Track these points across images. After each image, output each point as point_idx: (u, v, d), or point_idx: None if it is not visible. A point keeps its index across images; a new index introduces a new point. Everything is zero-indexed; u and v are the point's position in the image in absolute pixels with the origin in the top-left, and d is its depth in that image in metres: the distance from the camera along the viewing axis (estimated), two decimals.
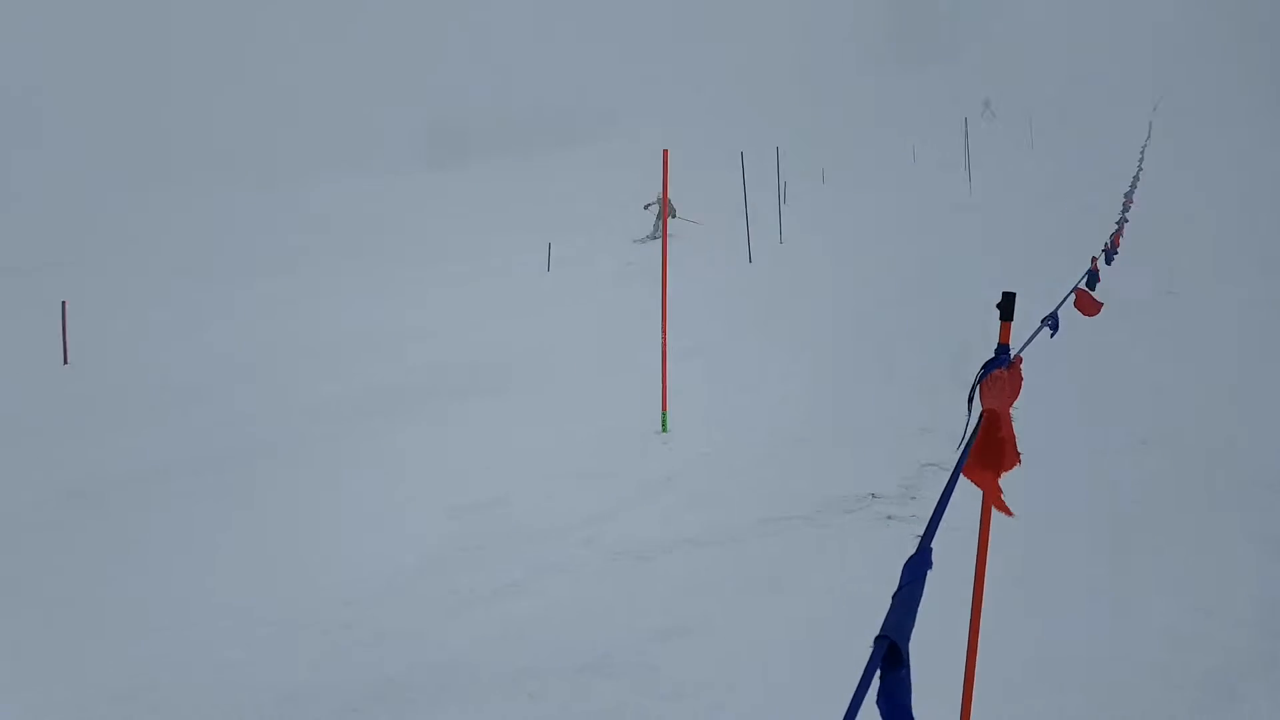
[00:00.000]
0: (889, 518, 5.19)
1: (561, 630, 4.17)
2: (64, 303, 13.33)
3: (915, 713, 1.32)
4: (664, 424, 7.14)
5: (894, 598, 1.36)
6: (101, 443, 8.53)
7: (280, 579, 5.03)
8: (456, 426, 8.11)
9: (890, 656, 1.25)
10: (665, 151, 7.70)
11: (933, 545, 1.54)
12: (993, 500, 2.03)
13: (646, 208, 23.58)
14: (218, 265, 22.41)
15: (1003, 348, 2.37)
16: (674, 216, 22.08)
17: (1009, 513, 2.24)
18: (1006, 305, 2.41)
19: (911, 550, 1.60)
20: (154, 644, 4.39)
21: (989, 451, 2.07)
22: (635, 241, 22.75)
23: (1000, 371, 2.24)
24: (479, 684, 3.78)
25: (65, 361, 12.91)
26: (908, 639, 1.28)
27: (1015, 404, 2.30)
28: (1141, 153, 26.56)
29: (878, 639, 1.23)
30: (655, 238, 22.56)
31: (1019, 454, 2.27)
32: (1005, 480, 2.27)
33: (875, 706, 1.27)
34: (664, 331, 7.34)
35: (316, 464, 7.37)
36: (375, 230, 27.40)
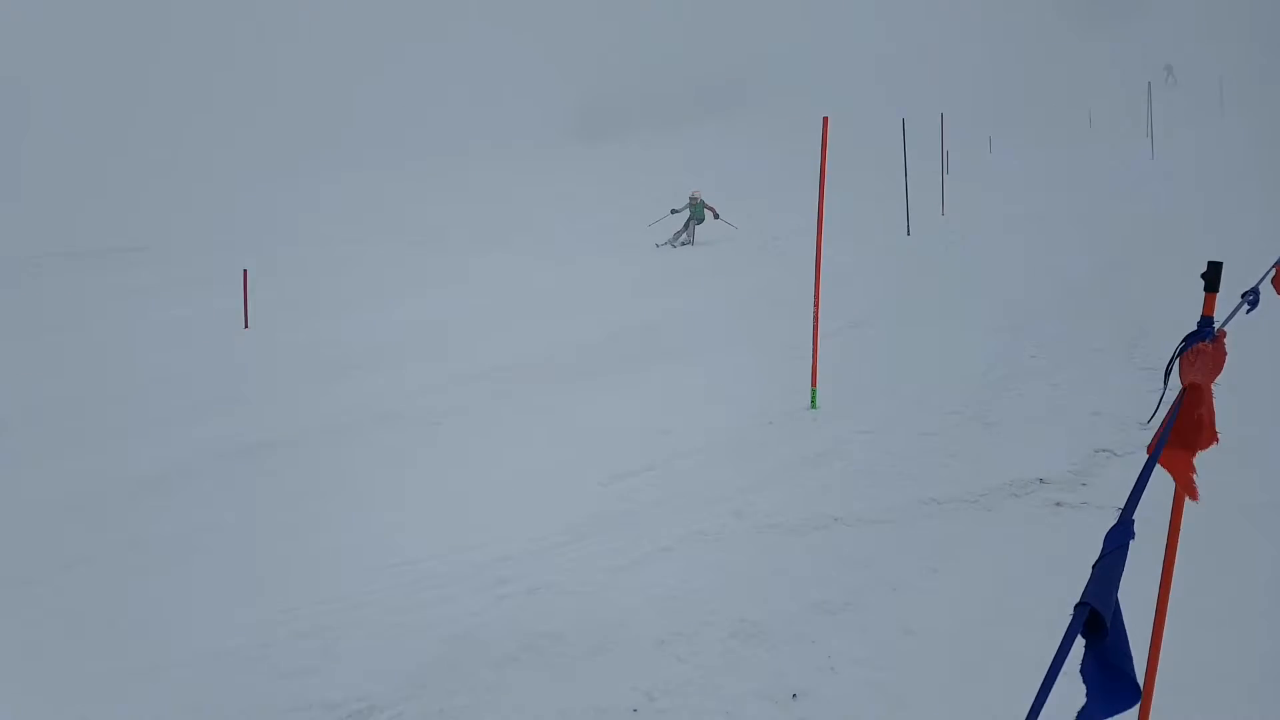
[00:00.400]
0: (1057, 504, 4.93)
1: (712, 597, 4.18)
2: (245, 271, 14.32)
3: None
4: (813, 401, 7.01)
5: (1094, 567, 1.28)
6: (293, 398, 9.20)
7: (443, 534, 5.25)
8: (612, 395, 8.24)
9: (1091, 625, 1.17)
10: (825, 119, 7.50)
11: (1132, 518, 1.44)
12: (1181, 481, 1.88)
13: (674, 212, 20.74)
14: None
15: (1206, 320, 2.19)
16: (711, 219, 20.21)
17: (1195, 496, 2.10)
18: (1212, 275, 2.22)
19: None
20: (346, 585, 4.68)
21: (1186, 428, 1.92)
22: (660, 246, 19.85)
23: (1203, 345, 2.07)
24: (630, 642, 3.84)
25: (246, 326, 13.88)
26: (1109, 607, 1.20)
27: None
28: None
29: (1078, 606, 1.16)
30: (685, 243, 19.94)
31: (1217, 433, 2.10)
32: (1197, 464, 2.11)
33: (1077, 676, 1.19)
34: (816, 306, 7.19)
35: (486, 427, 7.65)
36: (526, 207, 28.06)
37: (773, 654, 3.69)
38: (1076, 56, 52.41)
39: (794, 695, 3.39)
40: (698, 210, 20.63)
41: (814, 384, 7.00)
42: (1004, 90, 44.75)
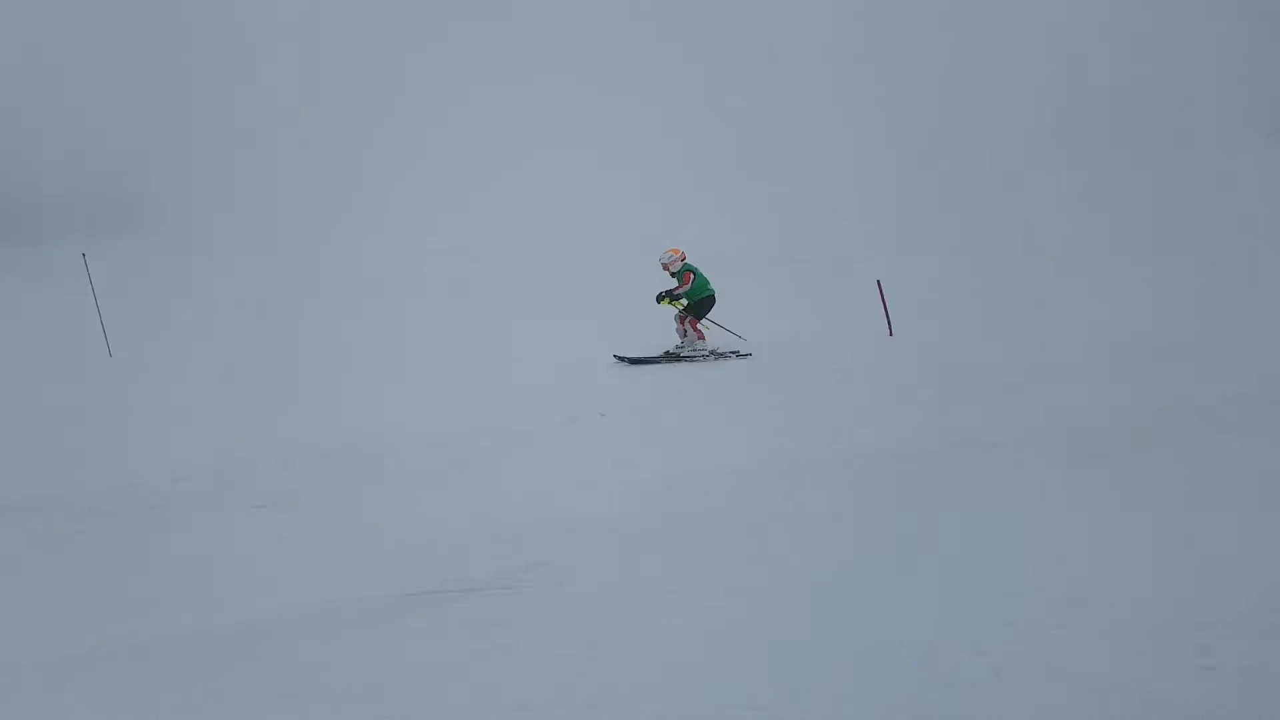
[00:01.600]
0: None
1: None
2: (878, 281, 15.04)
3: None
4: None
5: None
6: (932, 410, 9.47)
7: (1125, 580, 4.77)
8: None
9: None
10: None
11: None
12: None
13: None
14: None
15: None
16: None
17: None
18: None
19: None
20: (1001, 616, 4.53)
21: None
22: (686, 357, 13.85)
23: None
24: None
25: (890, 334, 14.49)
26: None
27: None
28: None
29: None
30: (693, 353, 13.68)
31: None
32: None
33: None
34: None
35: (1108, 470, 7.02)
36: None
37: None
38: None
39: None
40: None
41: None
42: None
